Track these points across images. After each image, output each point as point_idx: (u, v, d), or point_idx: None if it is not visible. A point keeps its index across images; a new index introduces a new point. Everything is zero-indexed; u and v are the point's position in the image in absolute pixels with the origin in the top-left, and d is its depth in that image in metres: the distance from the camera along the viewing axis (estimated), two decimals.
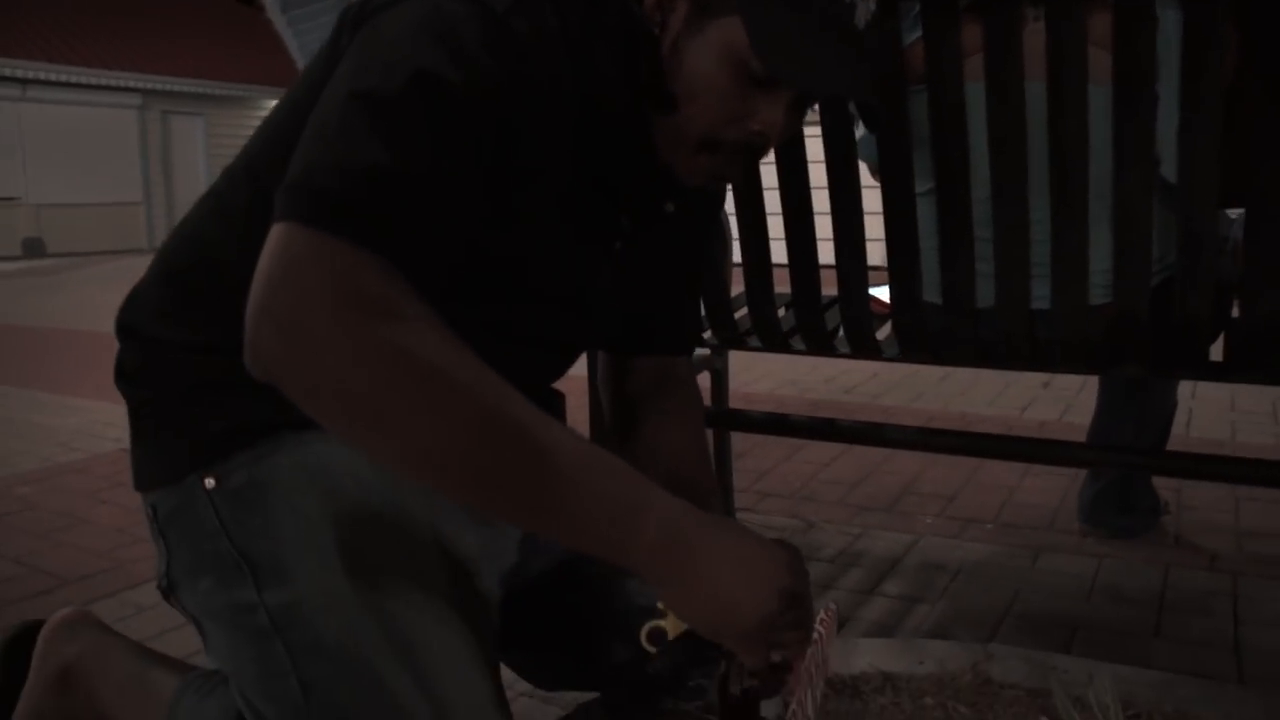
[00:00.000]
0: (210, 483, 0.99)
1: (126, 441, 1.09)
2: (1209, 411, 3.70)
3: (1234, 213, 1.89)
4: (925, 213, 1.63)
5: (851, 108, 1.54)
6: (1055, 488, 2.84)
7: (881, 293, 1.94)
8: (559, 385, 1.32)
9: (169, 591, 1.06)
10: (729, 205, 1.76)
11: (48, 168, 15.77)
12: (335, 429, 0.80)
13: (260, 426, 0.98)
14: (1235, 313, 1.64)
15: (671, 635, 0.95)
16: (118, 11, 18.76)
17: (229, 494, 0.98)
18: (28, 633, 1.27)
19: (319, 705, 0.94)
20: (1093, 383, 2.43)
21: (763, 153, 1.02)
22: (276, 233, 0.80)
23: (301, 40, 11.92)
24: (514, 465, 0.80)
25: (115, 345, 1.08)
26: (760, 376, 4.59)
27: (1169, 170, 1.49)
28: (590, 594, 1.17)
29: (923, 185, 1.61)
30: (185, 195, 17.72)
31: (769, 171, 1.66)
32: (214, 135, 18.35)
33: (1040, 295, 1.56)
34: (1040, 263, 1.54)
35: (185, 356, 1.03)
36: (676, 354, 1.30)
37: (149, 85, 17.07)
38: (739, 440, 3.16)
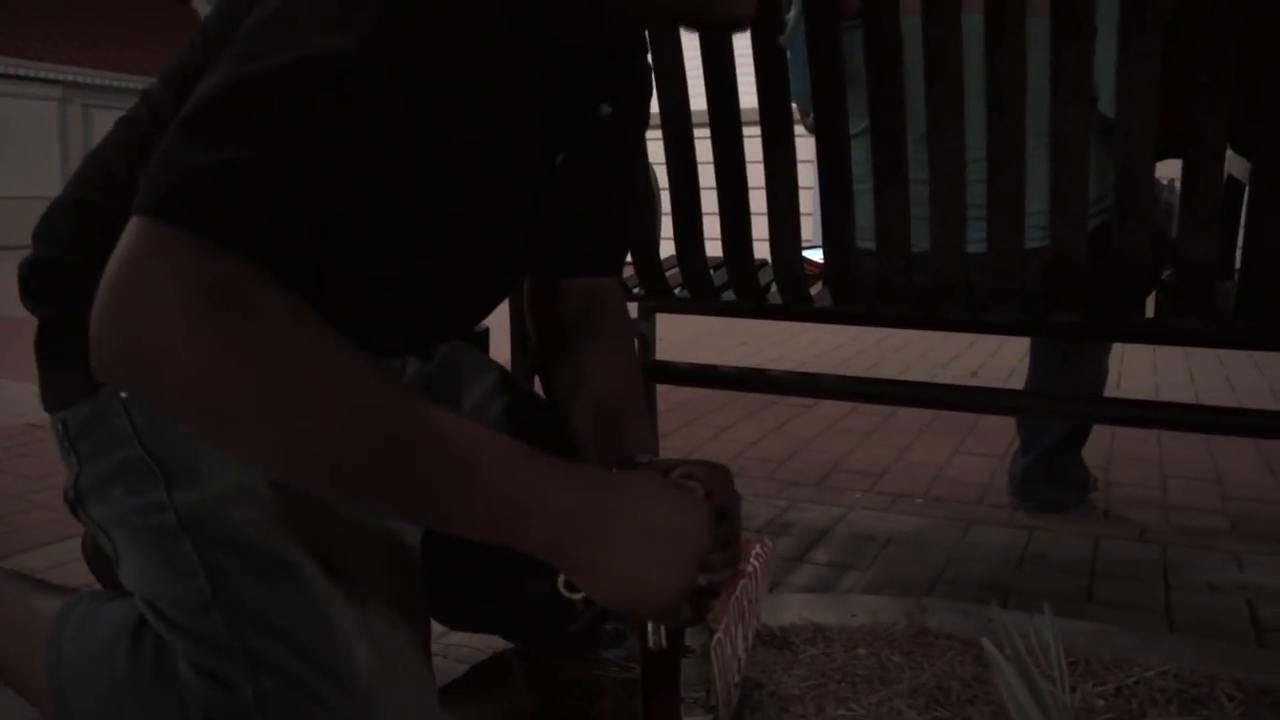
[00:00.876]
0: (125, 391, 0.95)
1: (32, 417, 1.03)
2: (1135, 378, 3.72)
3: (1165, 178, 1.87)
4: (859, 156, 1.59)
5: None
6: (984, 466, 2.82)
7: (814, 254, 1.89)
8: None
9: (77, 504, 1.00)
10: (657, 155, 1.70)
11: None
12: (192, 432, 0.74)
13: None
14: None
15: None
16: (40, 1, 18.32)
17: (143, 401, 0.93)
18: None
19: (226, 603, 0.88)
20: (1021, 371, 2.40)
21: None
22: (128, 228, 0.74)
23: None
24: (385, 463, 0.74)
25: (27, 330, 1.04)
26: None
27: (1107, 106, 1.45)
28: None
29: (857, 125, 1.56)
30: None
31: (701, 117, 1.61)
32: None
33: (976, 239, 1.51)
34: (976, 205, 1.50)
35: (93, 276, 0.97)
36: (607, 275, 1.25)
37: (70, 78, 16.66)
38: (664, 421, 3.11)
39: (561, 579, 0.87)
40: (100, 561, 1.19)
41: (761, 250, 1.70)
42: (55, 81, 16.56)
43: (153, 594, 0.92)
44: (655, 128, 1.64)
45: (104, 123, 17.14)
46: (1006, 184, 1.46)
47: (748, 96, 1.53)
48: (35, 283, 1.03)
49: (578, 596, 0.87)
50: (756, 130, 1.57)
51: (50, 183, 16.64)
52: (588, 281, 1.23)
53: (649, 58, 1.17)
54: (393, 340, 1.08)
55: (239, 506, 0.90)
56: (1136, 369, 4.10)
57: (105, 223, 0.95)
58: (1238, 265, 1.42)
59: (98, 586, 1.28)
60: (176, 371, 0.70)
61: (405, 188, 0.84)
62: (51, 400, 1.02)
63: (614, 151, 1.15)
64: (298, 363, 0.72)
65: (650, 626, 0.97)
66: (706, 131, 1.62)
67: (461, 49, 0.83)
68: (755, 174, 1.61)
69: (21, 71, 16.10)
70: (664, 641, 0.96)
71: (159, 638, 0.92)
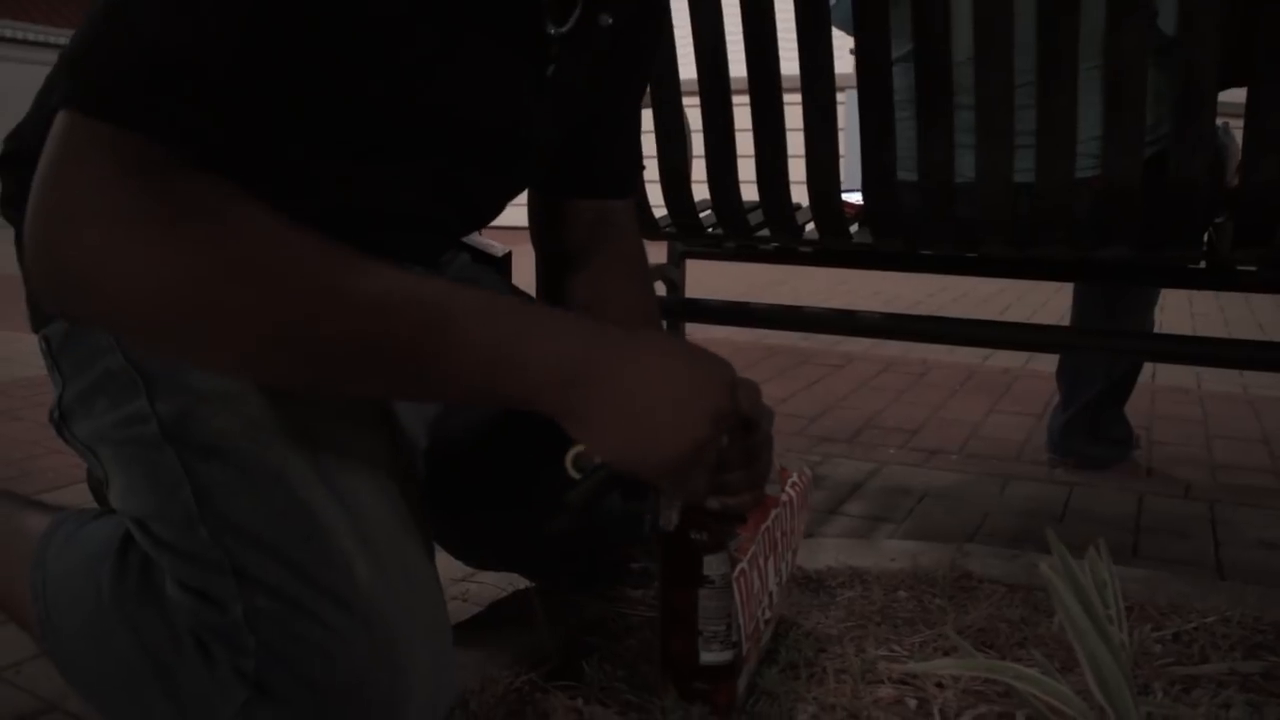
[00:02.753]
0: (66, 320, 0.91)
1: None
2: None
3: (1220, 121, 1.79)
4: (901, 82, 1.51)
5: None
6: (1021, 425, 2.74)
7: (852, 197, 1.82)
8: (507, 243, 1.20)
9: (62, 423, 0.96)
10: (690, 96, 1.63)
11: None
12: (147, 347, 0.73)
13: None
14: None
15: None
16: None
17: None
18: None
19: (214, 514, 0.82)
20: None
21: None
22: (56, 122, 0.69)
23: None
24: (364, 334, 0.70)
25: None
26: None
27: (1167, 22, 1.37)
28: (516, 440, 1.04)
29: (900, 49, 1.48)
30: None
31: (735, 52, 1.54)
32: None
33: (1024, 167, 1.44)
34: (1024, 131, 1.42)
35: None
36: (617, 197, 1.18)
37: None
38: None
39: (570, 455, 0.81)
40: (103, 494, 1.15)
41: (799, 195, 1.63)
42: (55, 46, 16.45)
43: (137, 509, 0.87)
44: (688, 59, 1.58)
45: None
46: (1057, 108, 1.38)
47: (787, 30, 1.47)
48: (9, 185, 0.99)
49: (581, 475, 0.82)
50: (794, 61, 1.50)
51: None
52: (596, 204, 1.17)
53: None
54: (389, 241, 1.02)
55: (224, 413, 0.85)
56: (1171, 314, 4.01)
57: None
58: None
59: None
60: (114, 284, 0.66)
61: (363, 80, 0.79)
62: (36, 315, 0.99)
63: (615, 66, 1.08)
64: (246, 250, 0.68)
65: (662, 510, 0.90)
66: (741, 70, 1.55)
67: None
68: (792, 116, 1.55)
69: (21, 35, 16.11)
70: (674, 519, 0.90)
71: (145, 555, 0.86)
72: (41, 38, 16.36)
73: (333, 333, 0.69)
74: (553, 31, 0.93)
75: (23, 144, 0.98)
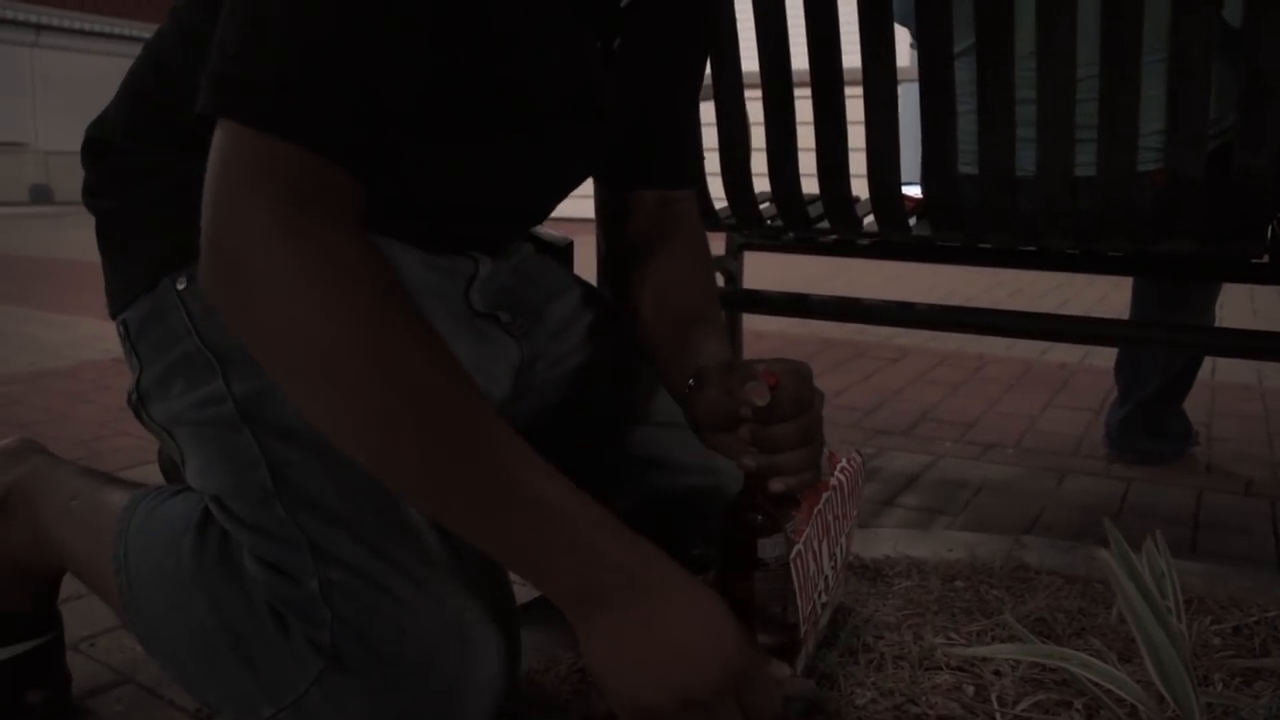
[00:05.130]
0: (181, 284, 0.95)
1: (115, 352, 1.05)
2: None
3: None
4: (963, 76, 1.51)
5: None
6: (1078, 420, 2.72)
7: (912, 190, 1.82)
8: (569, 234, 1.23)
9: (140, 406, 1.00)
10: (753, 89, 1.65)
11: (58, 114, 15.55)
12: (274, 380, 0.76)
13: None
14: None
15: None
16: None
17: (199, 291, 0.90)
18: None
19: (289, 491, 0.86)
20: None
21: None
22: (217, 133, 0.74)
23: None
24: (436, 468, 0.75)
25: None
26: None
27: (1233, 14, 1.36)
28: (588, 444, 1.07)
29: (961, 43, 1.49)
30: None
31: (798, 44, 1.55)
32: None
33: (1085, 161, 1.44)
34: (1086, 125, 1.42)
35: (149, 166, 1.00)
36: (679, 187, 1.20)
37: (44, 20, 16.60)
38: None
39: None
40: (174, 474, 1.18)
41: (858, 188, 1.64)
42: (29, 25, 16.50)
43: (215, 487, 0.91)
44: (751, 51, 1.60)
45: (79, 67, 17.16)
46: (1120, 101, 1.38)
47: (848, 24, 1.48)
48: (92, 174, 1.04)
49: None
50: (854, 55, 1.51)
51: (23, 129, 16.56)
52: (660, 194, 1.20)
53: None
54: (459, 231, 1.05)
55: None
56: (1235, 319, 3.96)
57: (154, 110, 1.00)
58: None
59: None
60: (264, 314, 0.72)
61: (450, 57, 0.83)
62: (114, 301, 1.02)
63: (672, 40, 1.10)
64: (378, 341, 0.72)
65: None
66: (801, 63, 1.57)
67: None
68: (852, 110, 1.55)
69: (118, 30, 16.33)
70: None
71: (223, 531, 0.90)
72: (79, 25, 16.55)
73: (412, 450, 0.73)
74: (622, 4, 0.96)
75: (107, 132, 1.03)
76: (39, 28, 15.31)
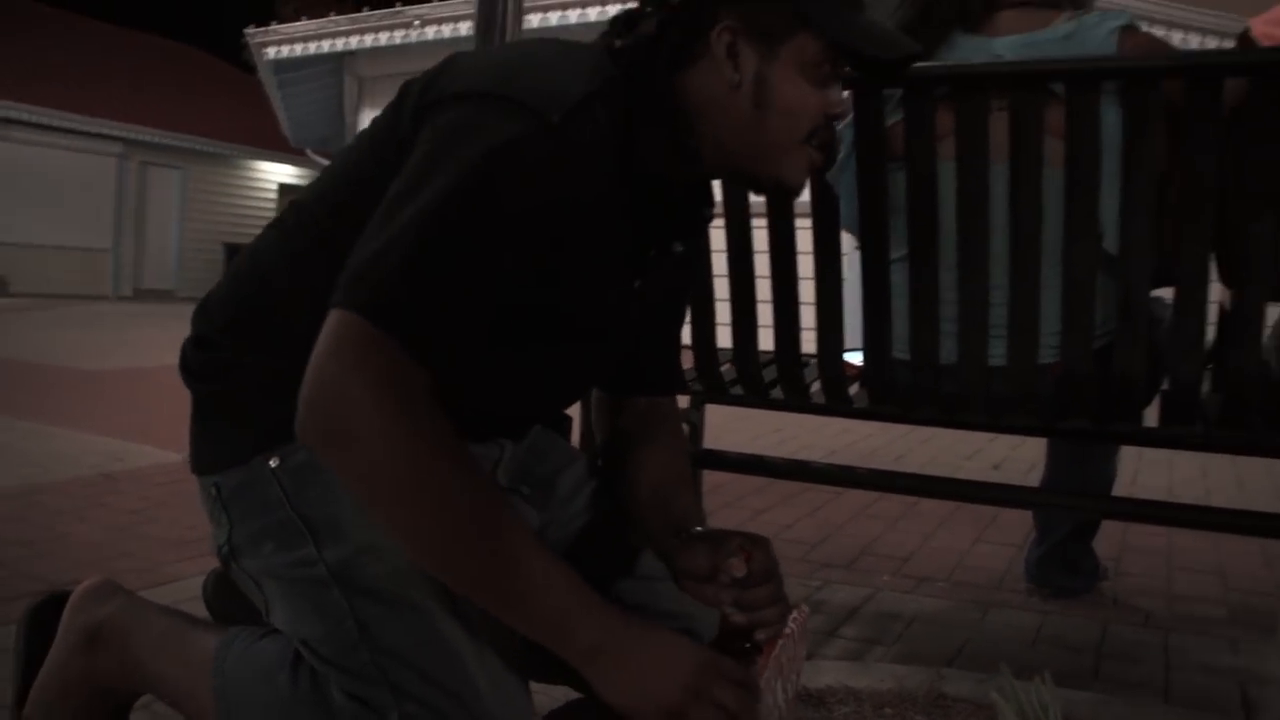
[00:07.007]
0: (275, 462, 1.15)
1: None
2: (1152, 473, 3.90)
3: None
4: (898, 278, 1.82)
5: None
6: (1004, 554, 3.00)
7: (853, 357, 2.12)
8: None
9: (230, 559, 1.20)
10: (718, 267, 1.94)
11: (19, 207, 15.68)
12: (358, 505, 1.03)
13: None
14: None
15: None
16: (103, 59, 18.95)
17: (291, 470, 1.14)
18: (54, 601, 1.36)
19: (371, 640, 1.09)
20: (1041, 465, 2.60)
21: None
22: (331, 318, 0.99)
23: (288, 105, 12.22)
24: (484, 574, 1.02)
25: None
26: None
27: (1111, 244, 1.68)
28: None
29: (897, 252, 1.79)
30: (155, 246, 17.81)
31: (761, 238, 1.85)
32: (192, 189, 18.49)
33: (996, 354, 1.74)
34: (997, 324, 1.73)
35: (247, 361, 1.20)
36: (666, 394, 1.47)
37: (131, 135, 17.14)
38: (706, 501, 3.31)
39: None
40: (220, 603, 1.38)
41: (806, 344, 1.93)
42: (117, 138, 17.05)
43: (306, 634, 1.13)
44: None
45: (159, 179, 17.79)
46: (1024, 307, 1.69)
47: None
48: (194, 360, 1.24)
49: None
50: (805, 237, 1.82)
51: (102, 235, 17.10)
52: (649, 398, 1.45)
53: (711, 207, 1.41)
54: (496, 425, 1.30)
55: (377, 561, 1.11)
56: (1153, 465, 4.28)
57: (256, 315, 1.23)
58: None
59: None
60: (361, 461, 0.97)
61: (531, 296, 1.09)
62: (203, 465, 1.22)
63: (678, 284, 1.39)
64: (447, 484, 0.99)
65: None
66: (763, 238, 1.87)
67: (591, 189, 1.08)
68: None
69: (84, 127, 16.60)
70: None
71: (313, 669, 1.13)
72: (102, 130, 16.87)
73: (471, 565, 1.01)
74: (650, 259, 1.24)
75: (208, 327, 1.24)
76: (4, 121, 15.54)
